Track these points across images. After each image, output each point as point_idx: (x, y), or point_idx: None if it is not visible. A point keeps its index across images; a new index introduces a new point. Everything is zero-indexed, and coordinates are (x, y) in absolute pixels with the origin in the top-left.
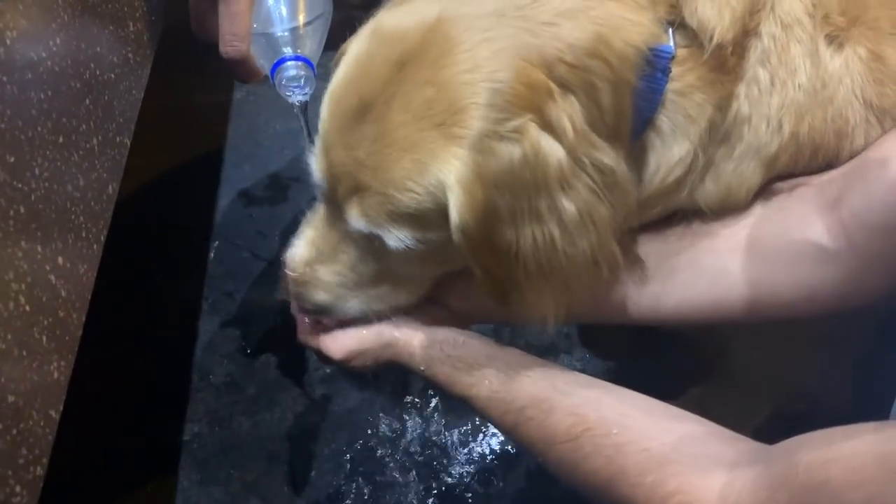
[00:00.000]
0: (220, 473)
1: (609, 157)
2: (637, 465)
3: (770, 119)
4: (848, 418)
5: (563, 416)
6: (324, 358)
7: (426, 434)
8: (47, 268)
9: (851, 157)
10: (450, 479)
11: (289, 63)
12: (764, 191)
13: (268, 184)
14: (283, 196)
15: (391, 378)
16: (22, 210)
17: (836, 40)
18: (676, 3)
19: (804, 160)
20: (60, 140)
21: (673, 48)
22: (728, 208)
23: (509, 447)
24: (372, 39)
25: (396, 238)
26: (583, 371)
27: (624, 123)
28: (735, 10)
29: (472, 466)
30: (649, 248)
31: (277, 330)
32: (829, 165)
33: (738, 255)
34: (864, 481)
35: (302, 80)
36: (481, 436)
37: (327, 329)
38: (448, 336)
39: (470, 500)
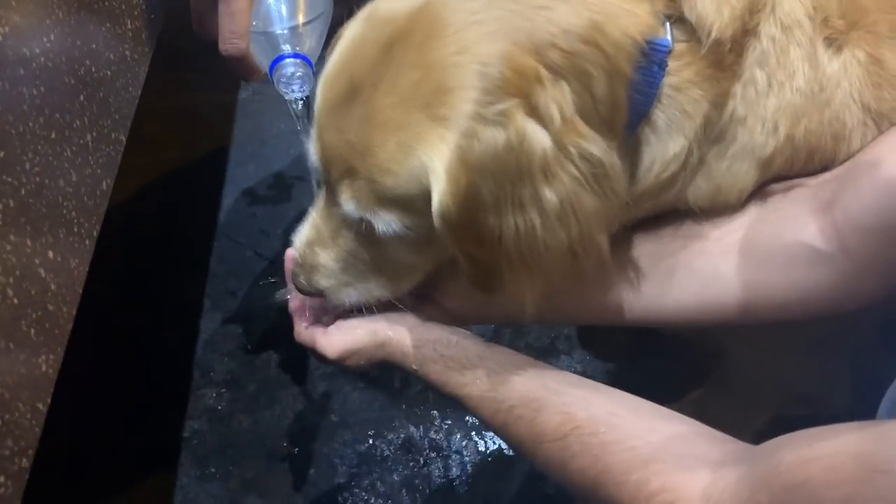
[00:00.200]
0: (220, 470)
1: (598, 147)
2: (622, 464)
3: (766, 121)
4: (850, 419)
5: (552, 414)
6: (319, 357)
7: (426, 432)
8: (37, 261)
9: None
10: (450, 477)
11: (287, 60)
12: (758, 192)
13: (272, 183)
14: (287, 195)
15: (391, 376)
16: (11, 204)
17: (834, 43)
18: None
19: (800, 163)
20: (53, 135)
21: (670, 42)
22: (718, 208)
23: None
24: (365, 23)
25: (385, 223)
26: (582, 372)
27: (618, 115)
28: (734, 8)
29: (472, 465)
30: (641, 249)
31: (278, 328)
32: (825, 168)
33: (730, 256)
34: (844, 481)
35: (300, 78)
36: (481, 434)
37: (325, 327)
38: (441, 336)
39: (470, 499)
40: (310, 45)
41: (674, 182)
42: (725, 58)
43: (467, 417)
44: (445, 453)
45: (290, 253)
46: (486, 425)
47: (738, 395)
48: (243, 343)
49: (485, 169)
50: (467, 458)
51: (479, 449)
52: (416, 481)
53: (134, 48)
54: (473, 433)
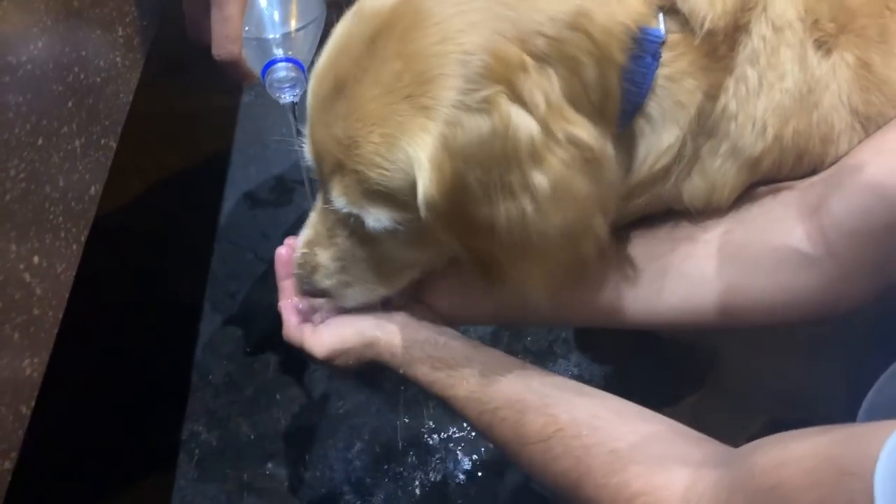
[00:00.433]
0: (217, 472)
1: (587, 132)
2: (603, 467)
3: (755, 121)
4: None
5: (536, 416)
6: (308, 356)
7: (423, 434)
8: (21, 266)
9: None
10: (448, 480)
11: (279, 65)
12: (747, 194)
13: (273, 186)
14: (288, 199)
15: (389, 379)
16: None
17: (824, 46)
18: None
19: (789, 165)
20: (40, 142)
21: (663, 33)
22: (712, 207)
23: None
24: (352, 19)
25: (374, 218)
26: (580, 376)
27: (611, 103)
28: (726, 3)
29: (469, 466)
30: (632, 251)
31: (278, 331)
32: (814, 171)
33: (718, 260)
34: (815, 484)
35: (292, 81)
36: (479, 437)
37: (314, 326)
38: (429, 336)
39: (468, 500)
40: (303, 50)
41: (668, 174)
42: (719, 48)
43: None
44: (443, 456)
45: (280, 252)
46: (472, 427)
47: (734, 399)
48: (242, 345)
49: (470, 157)
50: (465, 461)
51: (477, 451)
52: (414, 484)
53: (125, 55)
54: (471, 436)
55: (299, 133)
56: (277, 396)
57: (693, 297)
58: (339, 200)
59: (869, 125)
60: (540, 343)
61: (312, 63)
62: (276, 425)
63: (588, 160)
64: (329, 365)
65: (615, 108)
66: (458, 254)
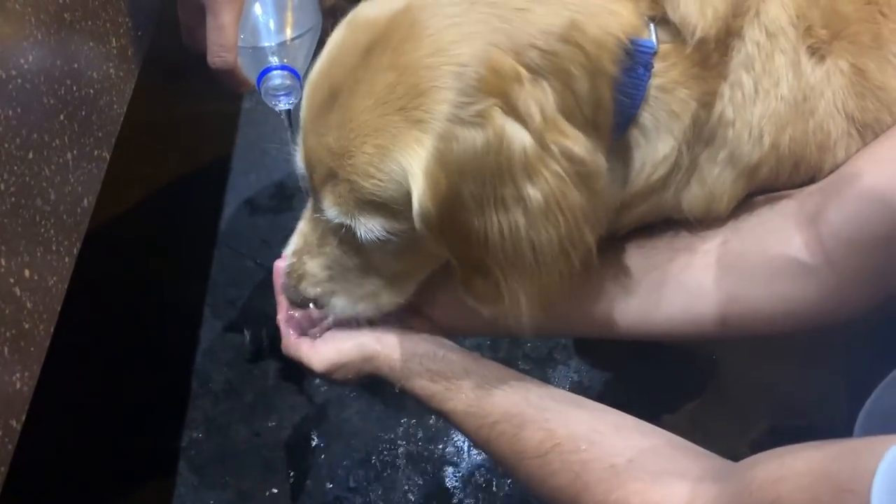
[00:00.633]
0: (217, 480)
1: (581, 146)
2: (601, 483)
3: (752, 128)
4: (846, 432)
5: (534, 431)
6: (307, 369)
7: (425, 443)
8: (11, 281)
9: (833, 171)
10: (448, 489)
11: (274, 73)
12: (745, 204)
13: (273, 193)
14: (288, 205)
15: (390, 387)
16: None
17: (817, 52)
18: None
19: (786, 173)
20: (30, 156)
21: (655, 44)
22: (711, 216)
23: None
24: (347, 28)
25: (366, 229)
26: (580, 382)
27: (604, 115)
28: (717, 10)
29: (470, 475)
30: (630, 261)
31: (277, 338)
32: (812, 179)
33: (716, 270)
34: (814, 500)
35: (287, 90)
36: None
37: (313, 339)
38: (428, 349)
39: None
40: (298, 59)
41: (665, 185)
42: (711, 56)
43: None
44: (443, 464)
45: (279, 265)
46: (471, 441)
47: (734, 406)
48: (242, 352)
49: (464, 170)
50: (466, 470)
51: (478, 461)
52: (414, 492)
53: (119, 66)
54: (472, 444)
55: (294, 141)
56: (277, 404)
57: (692, 307)
58: (331, 210)
59: (865, 132)
60: (539, 349)
61: (308, 72)
62: (276, 433)
63: (581, 174)
64: (328, 378)
65: (608, 120)
66: (448, 267)
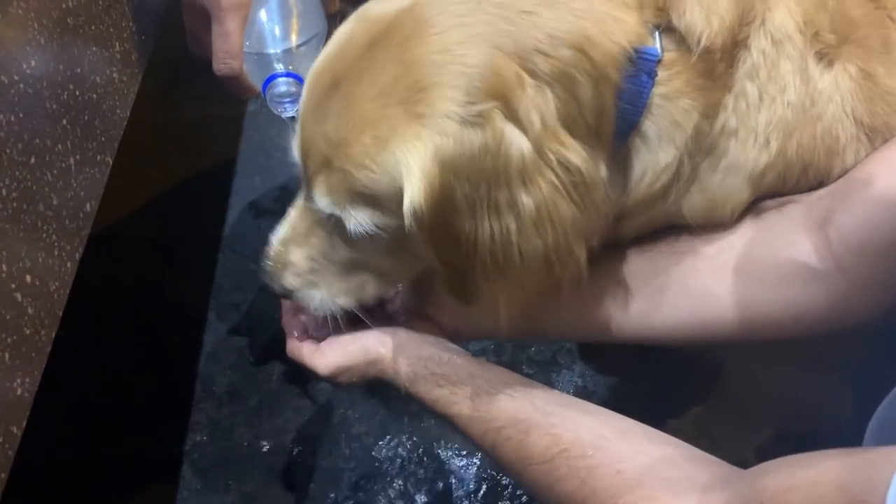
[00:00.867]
0: (220, 484)
1: (579, 156)
2: (609, 489)
3: (757, 135)
4: (852, 437)
5: (540, 436)
6: (311, 373)
7: (428, 446)
8: (13, 286)
9: (842, 176)
10: (452, 492)
11: (280, 79)
12: (752, 208)
13: (277, 196)
14: None
15: (394, 390)
16: None
17: (825, 57)
18: (664, 6)
19: (794, 178)
20: (32, 161)
21: (659, 51)
22: (713, 223)
23: None
24: (354, 23)
25: (356, 222)
26: (584, 386)
27: (606, 124)
28: (724, 19)
29: (474, 479)
30: (635, 266)
31: (281, 341)
32: (820, 184)
33: (724, 274)
34: None
35: (293, 97)
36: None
37: (317, 342)
38: (433, 353)
39: None
40: (304, 65)
41: (666, 194)
42: (716, 67)
43: None
44: (448, 467)
45: None
46: (476, 446)
47: (739, 411)
48: (246, 356)
49: (460, 170)
50: (470, 473)
51: (483, 464)
52: (419, 496)
53: (122, 70)
54: (476, 448)
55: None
56: (281, 407)
57: (698, 312)
58: (322, 200)
59: (875, 136)
60: (544, 354)
61: None
62: (279, 436)
63: (577, 185)
64: (332, 382)
65: (610, 128)
66: (436, 267)
